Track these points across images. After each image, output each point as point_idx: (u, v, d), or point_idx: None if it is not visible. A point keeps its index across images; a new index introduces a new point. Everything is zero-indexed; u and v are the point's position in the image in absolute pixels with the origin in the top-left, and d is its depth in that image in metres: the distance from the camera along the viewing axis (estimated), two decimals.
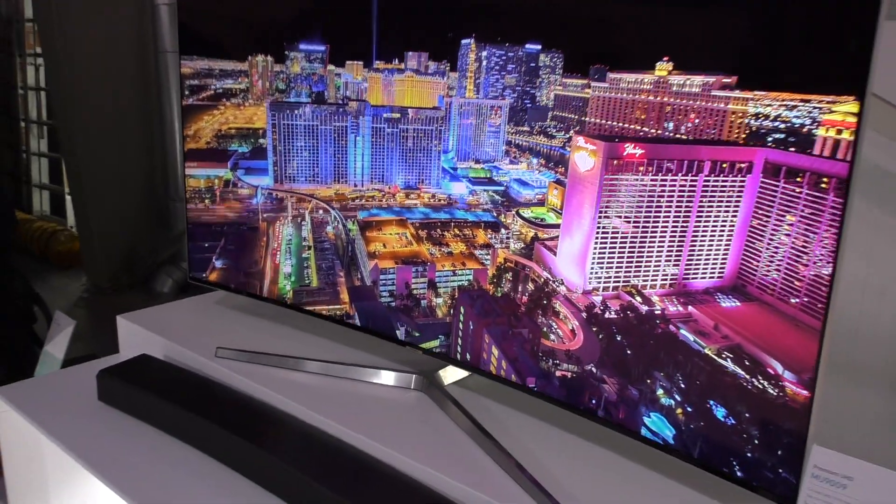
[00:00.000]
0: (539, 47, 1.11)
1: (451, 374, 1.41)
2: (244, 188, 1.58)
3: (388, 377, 1.42)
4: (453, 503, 1.09)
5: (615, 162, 1.03)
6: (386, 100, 1.31)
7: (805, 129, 0.86)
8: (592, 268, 1.08)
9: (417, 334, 1.37)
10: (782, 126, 0.88)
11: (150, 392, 1.40)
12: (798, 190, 0.89)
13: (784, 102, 0.88)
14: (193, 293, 1.91)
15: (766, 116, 0.90)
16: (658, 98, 1.00)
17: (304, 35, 1.40)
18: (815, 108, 0.84)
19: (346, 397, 1.37)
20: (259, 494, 1.20)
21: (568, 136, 1.10)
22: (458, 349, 1.33)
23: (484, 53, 1.17)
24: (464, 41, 1.18)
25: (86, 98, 4.01)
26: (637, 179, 1.02)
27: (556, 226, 1.13)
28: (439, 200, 1.30)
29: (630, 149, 1.02)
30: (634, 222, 1.03)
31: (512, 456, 1.15)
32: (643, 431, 1.07)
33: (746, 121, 0.91)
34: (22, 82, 5.32)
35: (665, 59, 0.98)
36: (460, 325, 1.31)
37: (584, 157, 1.07)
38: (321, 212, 1.46)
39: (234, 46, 1.54)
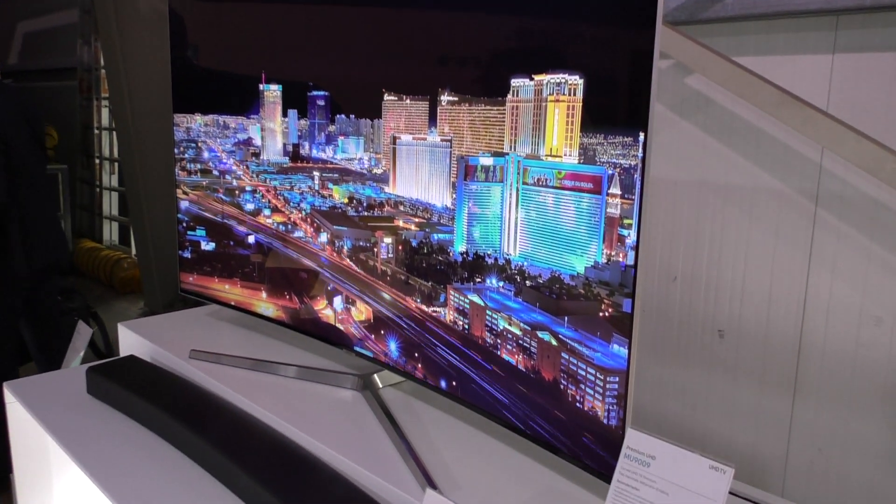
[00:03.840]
0: None
1: (387, 378, 1.55)
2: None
3: (330, 378, 1.57)
4: (359, 488, 1.22)
5: None
6: None
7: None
8: None
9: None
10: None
11: (125, 386, 1.58)
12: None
13: None
14: (194, 305, 2.11)
15: None
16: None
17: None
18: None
19: (293, 395, 1.52)
20: (202, 476, 1.36)
21: None
22: (394, 357, 1.46)
23: None
24: None
25: (145, 137, 4.39)
26: None
27: None
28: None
29: None
30: None
31: (410, 444, 1.27)
32: (519, 424, 1.17)
33: None
34: (97, 123, 5.81)
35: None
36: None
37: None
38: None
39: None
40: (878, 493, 1.81)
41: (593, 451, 1.07)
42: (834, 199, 1.84)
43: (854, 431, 1.84)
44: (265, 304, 1.76)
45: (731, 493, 0.88)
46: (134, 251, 5.53)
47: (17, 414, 1.74)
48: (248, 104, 1.70)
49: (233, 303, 1.84)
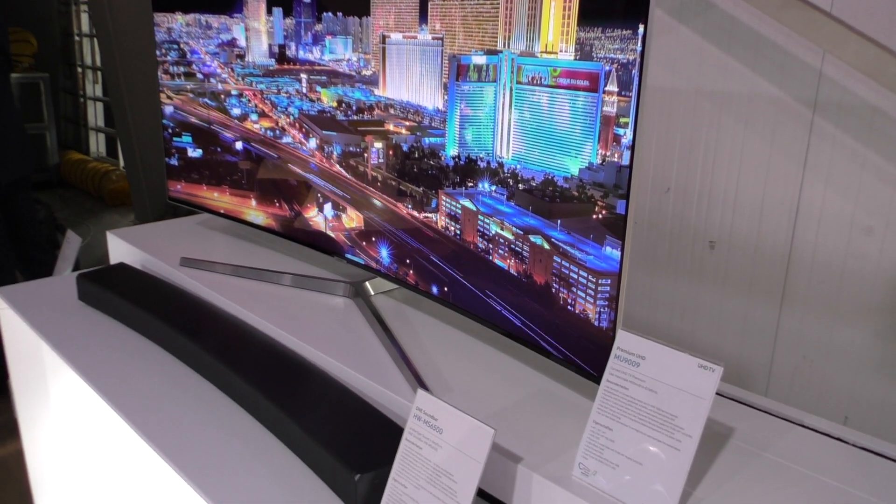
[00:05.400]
0: None
1: (379, 286, 1.55)
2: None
3: (321, 285, 1.57)
4: (352, 391, 1.23)
5: None
6: None
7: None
8: None
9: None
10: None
11: (116, 292, 1.58)
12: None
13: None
14: (184, 214, 2.09)
15: None
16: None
17: None
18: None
19: (285, 302, 1.52)
20: (194, 377, 1.37)
21: None
22: (385, 263, 1.46)
23: None
24: None
25: (127, 43, 4.24)
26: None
27: None
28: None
29: None
30: None
31: (401, 348, 1.28)
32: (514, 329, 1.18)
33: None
34: (77, 29, 5.62)
35: None
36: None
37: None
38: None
39: None
40: (859, 397, 1.86)
41: (583, 353, 1.08)
42: (832, 107, 1.81)
43: (839, 340, 1.87)
44: (255, 211, 1.75)
45: (716, 393, 0.90)
46: (122, 163, 5.45)
47: (10, 320, 1.74)
48: (231, 2, 1.63)
49: (222, 211, 1.82)
